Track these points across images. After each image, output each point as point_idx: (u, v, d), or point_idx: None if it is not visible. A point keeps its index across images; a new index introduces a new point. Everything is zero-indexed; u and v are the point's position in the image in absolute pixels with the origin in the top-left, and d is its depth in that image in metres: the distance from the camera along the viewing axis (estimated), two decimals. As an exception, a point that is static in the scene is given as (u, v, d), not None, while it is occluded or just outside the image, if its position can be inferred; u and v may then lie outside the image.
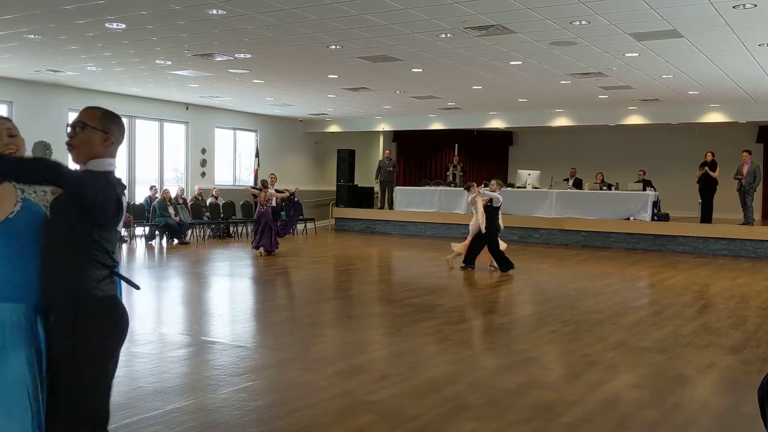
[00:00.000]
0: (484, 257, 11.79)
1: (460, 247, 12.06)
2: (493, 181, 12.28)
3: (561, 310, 8.28)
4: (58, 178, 2.44)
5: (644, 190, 16.86)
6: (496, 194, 11.72)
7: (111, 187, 2.59)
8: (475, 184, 12.17)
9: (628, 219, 16.52)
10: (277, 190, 14.15)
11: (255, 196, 13.95)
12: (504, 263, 11.66)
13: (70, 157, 2.72)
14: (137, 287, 2.79)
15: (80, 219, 2.53)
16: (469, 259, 11.85)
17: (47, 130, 15.15)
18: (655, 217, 16.46)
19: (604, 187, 17.57)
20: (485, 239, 11.64)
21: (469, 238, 11.93)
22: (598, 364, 5.81)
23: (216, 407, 4.54)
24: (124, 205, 2.68)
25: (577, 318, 7.82)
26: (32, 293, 2.54)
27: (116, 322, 2.65)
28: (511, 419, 4.39)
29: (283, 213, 16.22)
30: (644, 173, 17.64)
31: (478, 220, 11.67)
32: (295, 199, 14.72)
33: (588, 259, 14.23)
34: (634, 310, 8.56)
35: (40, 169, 2.41)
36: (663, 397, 4.96)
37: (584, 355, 6.11)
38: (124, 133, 2.78)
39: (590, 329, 7.21)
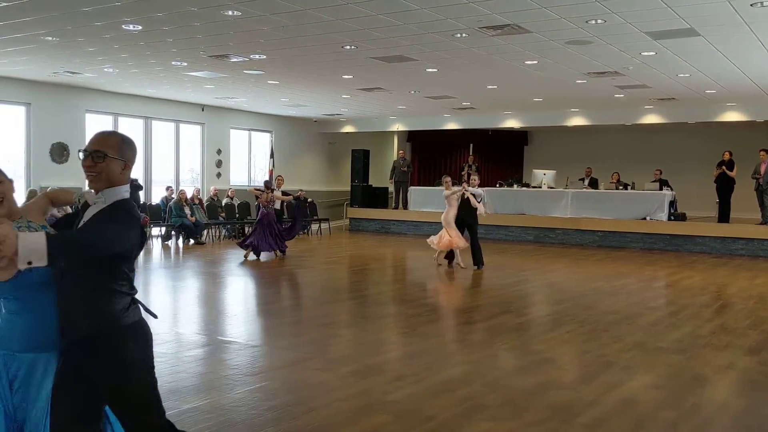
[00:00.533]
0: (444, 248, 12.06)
1: (443, 245, 12.04)
2: (475, 176, 12.84)
3: (577, 311, 8.24)
4: (82, 252, 2.45)
5: (661, 189, 16.74)
6: (480, 190, 12.41)
7: (132, 223, 2.61)
8: (449, 180, 12.41)
9: (645, 219, 16.40)
10: (283, 193, 13.90)
11: (257, 197, 13.53)
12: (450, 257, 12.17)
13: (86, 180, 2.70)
14: (155, 316, 2.83)
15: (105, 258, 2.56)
16: (478, 259, 11.91)
17: (65, 131, 15.30)
18: (672, 217, 16.33)
19: (620, 187, 17.46)
20: (476, 231, 12.11)
21: (447, 231, 11.95)
22: (615, 364, 5.77)
23: (232, 406, 4.56)
24: (143, 231, 2.69)
25: (594, 318, 7.78)
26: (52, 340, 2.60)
27: (149, 342, 2.73)
28: (528, 419, 4.37)
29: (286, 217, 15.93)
30: (661, 173, 17.50)
31: (449, 214, 11.96)
32: (305, 199, 14.34)
33: (604, 259, 14.15)
34: (651, 311, 8.50)
35: (65, 249, 2.39)
36: (681, 397, 4.92)
37: (601, 355, 6.08)
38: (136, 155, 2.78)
39: (607, 329, 7.17)
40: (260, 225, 12.96)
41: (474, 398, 4.77)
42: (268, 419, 4.31)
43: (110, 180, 2.63)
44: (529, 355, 6.06)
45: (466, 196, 12.02)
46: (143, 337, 2.68)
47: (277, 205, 13.70)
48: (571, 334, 6.99)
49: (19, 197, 2.76)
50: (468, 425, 4.26)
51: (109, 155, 2.61)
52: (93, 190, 2.65)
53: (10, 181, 2.70)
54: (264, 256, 13.03)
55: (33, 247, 2.22)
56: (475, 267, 11.85)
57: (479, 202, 12.18)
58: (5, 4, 8.27)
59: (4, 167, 2.78)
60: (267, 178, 20.27)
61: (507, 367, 5.75)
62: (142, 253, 13.30)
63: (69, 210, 2.94)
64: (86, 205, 2.71)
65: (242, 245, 13.03)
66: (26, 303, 2.60)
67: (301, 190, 14.61)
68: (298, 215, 14.27)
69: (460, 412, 4.48)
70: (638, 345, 6.51)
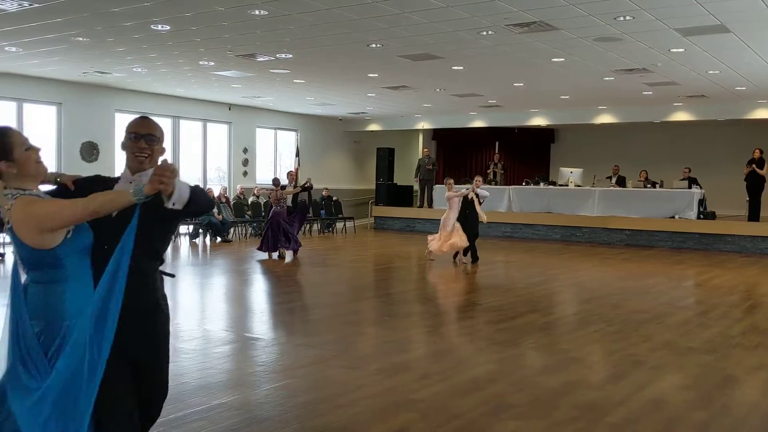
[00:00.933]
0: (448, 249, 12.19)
1: (447, 246, 12.14)
2: (479, 177, 13.05)
3: (605, 310, 8.17)
4: (199, 207, 2.75)
5: (690, 187, 16.52)
6: (486, 192, 12.79)
7: None
8: (452, 181, 12.71)
9: (674, 217, 16.20)
10: (295, 187, 13.40)
11: (269, 196, 13.18)
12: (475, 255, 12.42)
13: (121, 160, 2.89)
14: (173, 276, 3.05)
15: (171, 230, 2.90)
16: (475, 255, 12.32)
17: (95, 130, 15.53)
18: (701, 216, 16.11)
19: (649, 185, 17.26)
20: (476, 231, 12.35)
21: (445, 232, 12.11)
22: (644, 364, 5.71)
23: (259, 403, 4.59)
24: None
25: (622, 317, 7.70)
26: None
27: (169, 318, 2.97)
28: (556, 419, 4.34)
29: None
30: (690, 171, 17.26)
31: (451, 215, 12.15)
32: (311, 186, 13.37)
33: (632, 258, 14.00)
34: (680, 310, 8.40)
35: (196, 201, 2.67)
36: (711, 398, 4.85)
37: (629, 354, 6.02)
38: None
39: (636, 329, 7.09)
40: (269, 226, 12.56)
41: (501, 397, 4.76)
42: (294, 416, 4.33)
43: (154, 162, 2.82)
44: (556, 354, 6.02)
45: (470, 198, 12.18)
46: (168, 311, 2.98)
47: (289, 202, 13.22)
48: (599, 333, 6.93)
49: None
50: (495, 424, 4.24)
51: (161, 140, 2.90)
52: (129, 171, 2.82)
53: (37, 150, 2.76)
54: (289, 255, 12.89)
55: (183, 190, 2.56)
56: (474, 263, 12.27)
57: (481, 203, 12.35)
58: (37, 5, 8.42)
59: None
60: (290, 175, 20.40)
61: (534, 366, 5.72)
62: (170, 251, 13.46)
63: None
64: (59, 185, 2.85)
65: (260, 250, 12.70)
66: (73, 270, 2.64)
67: (308, 179, 13.93)
68: (301, 206, 13.52)
69: (487, 411, 4.47)
70: (667, 345, 6.43)
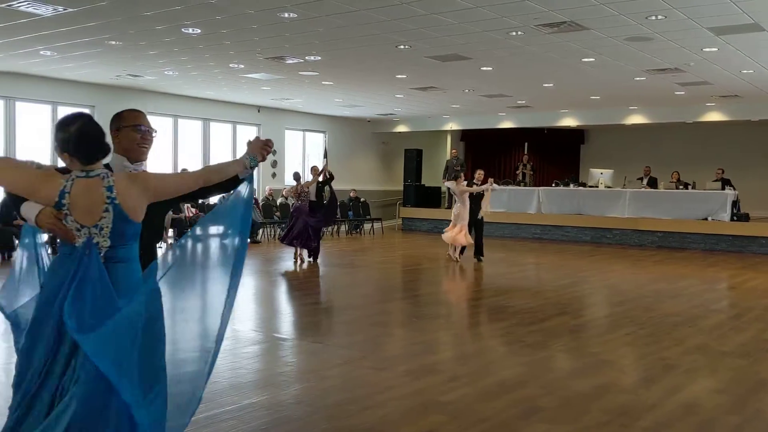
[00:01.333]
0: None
1: (462, 240, 12.35)
2: (480, 171, 13.14)
3: (637, 312, 8.07)
4: None
5: (723, 189, 16.25)
6: (498, 186, 13.23)
7: None
8: (463, 176, 13.09)
9: (706, 219, 15.95)
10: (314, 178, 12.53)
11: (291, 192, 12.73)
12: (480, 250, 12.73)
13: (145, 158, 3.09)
14: None
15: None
16: (480, 250, 12.65)
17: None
18: (735, 218, 15.83)
19: (681, 186, 17.01)
20: (482, 226, 12.74)
21: (459, 226, 12.32)
22: (677, 368, 5.63)
23: (288, 403, 4.62)
24: None
25: (655, 320, 7.61)
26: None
27: None
28: (587, 422, 4.30)
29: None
30: (723, 172, 16.98)
31: (465, 210, 12.38)
32: (332, 176, 12.76)
33: (664, 260, 13.82)
34: (713, 313, 8.27)
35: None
36: (745, 402, 4.77)
37: (662, 358, 5.94)
38: None
39: (668, 332, 7.00)
40: (293, 220, 12.07)
41: (530, 400, 4.73)
42: (323, 416, 4.35)
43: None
44: (586, 357, 5.96)
45: (487, 191, 12.66)
46: None
47: (313, 197, 12.32)
48: (630, 336, 6.85)
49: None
50: (524, 427, 4.22)
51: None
52: (128, 160, 3.00)
53: None
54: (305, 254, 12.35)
55: None
56: (477, 258, 12.63)
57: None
58: (72, 10, 8.57)
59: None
60: (320, 178, 20.47)
61: (564, 369, 5.68)
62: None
63: None
64: None
65: (283, 242, 12.30)
66: (133, 251, 2.76)
67: (324, 164, 13.22)
68: (332, 201, 12.83)
69: (516, 414, 4.44)
70: (700, 348, 6.34)
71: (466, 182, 12.95)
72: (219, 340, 2.89)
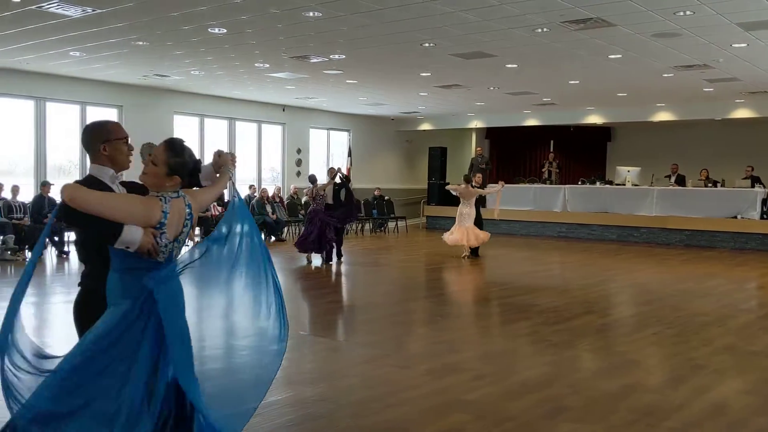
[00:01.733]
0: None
1: (473, 239, 12.74)
2: (479, 175, 13.76)
3: (664, 312, 7.98)
4: None
5: (753, 186, 15.99)
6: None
7: None
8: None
9: (736, 217, 15.71)
10: (330, 181, 12.08)
11: (306, 194, 12.36)
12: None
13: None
14: None
15: None
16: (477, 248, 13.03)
17: (154, 131, 15.84)
18: (765, 216, 15.57)
19: (709, 184, 16.78)
20: (482, 226, 13.17)
21: (465, 226, 12.77)
22: (705, 368, 5.56)
23: (312, 401, 4.63)
24: None
25: (682, 320, 7.51)
26: None
27: None
28: (613, 422, 4.26)
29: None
30: (752, 169, 16.70)
31: (472, 210, 12.95)
32: (347, 178, 12.38)
33: (692, 259, 13.64)
34: (743, 313, 8.15)
35: None
36: (776, 405, 4.70)
37: (689, 358, 5.86)
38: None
39: (696, 332, 6.91)
40: (310, 224, 11.78)
41: (556, 399, 4.69)
42: (346, 414, 4.36)
43: None
44: (613, 357, 5.91)
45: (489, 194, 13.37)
46: None
47: (330, 200, 11.95)
48: (657, 336, 6.77)
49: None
50: (550, 427, 4.19)
51: None
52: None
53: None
54: (317, 258, 12.04)
55: None
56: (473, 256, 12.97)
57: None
58: (100, 11, 8.67)
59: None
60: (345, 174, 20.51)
61: (590, 369, 5.63)
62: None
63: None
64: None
65: (298, 248, 11.94)
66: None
67: (339, 167, 12.96)
68: (349, 199, 12.15)
69: (541, 414, 4.42)
70: (729, 348, 6.25)
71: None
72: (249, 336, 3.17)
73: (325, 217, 11.71)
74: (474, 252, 13.00)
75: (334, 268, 11.69)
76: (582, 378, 5.30)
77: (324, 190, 11.97)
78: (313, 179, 12.40)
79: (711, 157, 19.57)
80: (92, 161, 3.05)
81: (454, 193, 13.41)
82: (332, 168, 12.60)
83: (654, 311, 8.07)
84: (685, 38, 9.72)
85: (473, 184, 13.11)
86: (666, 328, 7.08)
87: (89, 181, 2.95)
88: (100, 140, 3.04)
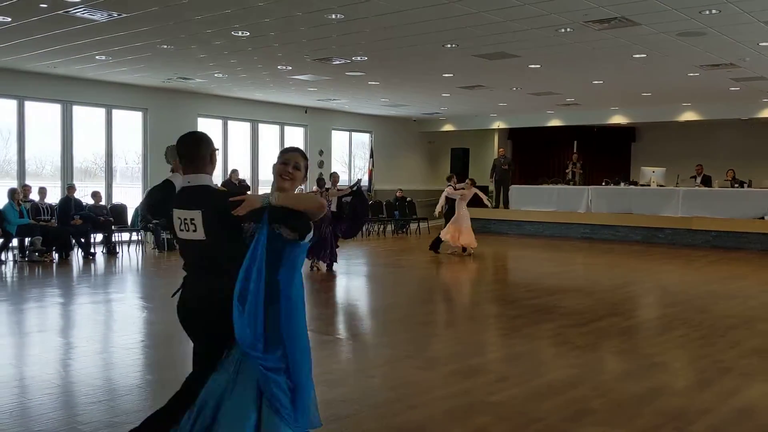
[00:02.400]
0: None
1: (466, 240, 13.12)
2: (468, 180, 14.07)
3: (690, 314, 7.88)
4: None
5: (781, 187, 15.76)
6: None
7: None
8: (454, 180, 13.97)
9: (762, 218, 15.49)
10: (339, 190, 11.31)
11: None
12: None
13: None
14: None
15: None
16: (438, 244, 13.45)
17: (178, 134, 15.95)
18: (794, 217, 15.33)
19: (736, 185, 16.55)
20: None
21: (462, 225, 13.16)
22: (732, 371, 5.48)
23: (337, 401, 4.64)
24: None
25: (709, 322, 7.42)
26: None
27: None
28: (639, 426, 4.22)
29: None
30: (781, 169, 16.48)
31: (465, 210, 13.29)
32: (360, 189, 11.19)
33: (718, 260, 13.46)
34: (771, 316, 8.03)
35: None
36: (806, 408, 4.62)
37: (717, 361, 5.79)
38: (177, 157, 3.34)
39: (723, 334, 6.82)
40: (316, 230, 10.94)
41: (581, 402, 4.66)
42: (371, 415, 4.37)
43: None
44: (638, 359, 5.85)
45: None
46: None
47: (333, 207, 11.14)
48: (683, 338, 6.69)
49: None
50: (575, 430, 4.16)
51: None
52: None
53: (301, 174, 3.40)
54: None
55: None
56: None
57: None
58: (125, 15, 8.78)
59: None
60: (366, 177, 20.54)
61: (615, 371, 5.58)
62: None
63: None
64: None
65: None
66: None
67: (359, 179, 12.43)
68: (361, 206, 11.12)
69: (566, 416, 4.39)
70: (757, 351, 6.16)
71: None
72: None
73: (332, 226, 11.06)
74: (464, 248, 13.38)
75: (355, 269, 11.69)
76: (607, 380, 5.25)
77: (330, 198, 10.92)
78: (321, 182, 11.72)
79: (737, 157, 19.32)
80: (193, 170, 3.18)
81: (456, 197, 13.39)
82: (335, 173, 12.18)
83: (680, 313, 7.98)
84: (710, 37, 9.61)
85: (454, 185, 13.60)
86: (692, 331, 7.00)
87: (169, 187, 3.23)
88: (210, 149, 3.23)
